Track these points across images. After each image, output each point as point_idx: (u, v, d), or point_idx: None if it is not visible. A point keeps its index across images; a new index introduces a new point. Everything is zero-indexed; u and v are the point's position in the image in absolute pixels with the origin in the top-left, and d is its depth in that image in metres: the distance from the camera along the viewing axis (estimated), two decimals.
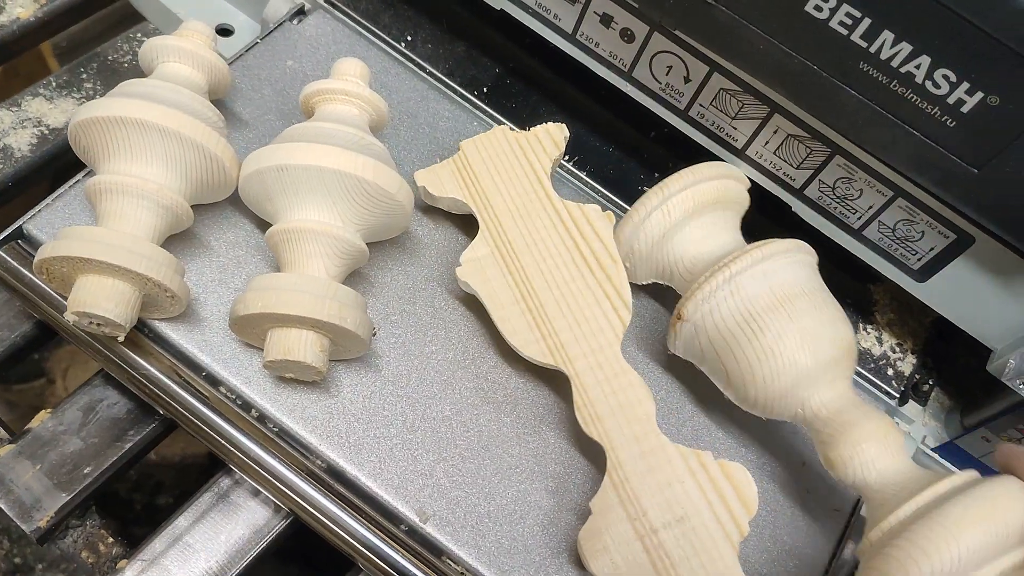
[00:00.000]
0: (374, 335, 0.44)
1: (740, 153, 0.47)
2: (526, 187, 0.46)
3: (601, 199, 0.53)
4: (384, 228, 0.44)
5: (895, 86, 0.37)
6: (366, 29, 0.54)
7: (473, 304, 0.47)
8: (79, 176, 0.45)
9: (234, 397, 0.42)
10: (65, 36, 0.75)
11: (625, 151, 0.55)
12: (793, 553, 0.44)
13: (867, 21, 0.36)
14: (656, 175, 0.54)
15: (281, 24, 0.53)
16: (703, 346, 0.42)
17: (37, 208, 0.44)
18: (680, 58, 0.45)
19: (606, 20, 0.46)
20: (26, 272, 0.43)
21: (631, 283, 0.45)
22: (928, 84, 0.37)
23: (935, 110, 0.37)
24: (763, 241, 0.42)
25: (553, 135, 0.47)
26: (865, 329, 0.53)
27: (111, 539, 0.46)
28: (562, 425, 0.45)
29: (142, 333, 0.42)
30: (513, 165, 0.46)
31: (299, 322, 0.39)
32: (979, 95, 0.36)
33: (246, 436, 0.42)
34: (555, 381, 0.46)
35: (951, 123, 0.37)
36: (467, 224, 0.49)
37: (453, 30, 0.56)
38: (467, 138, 0.48)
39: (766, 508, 0.45)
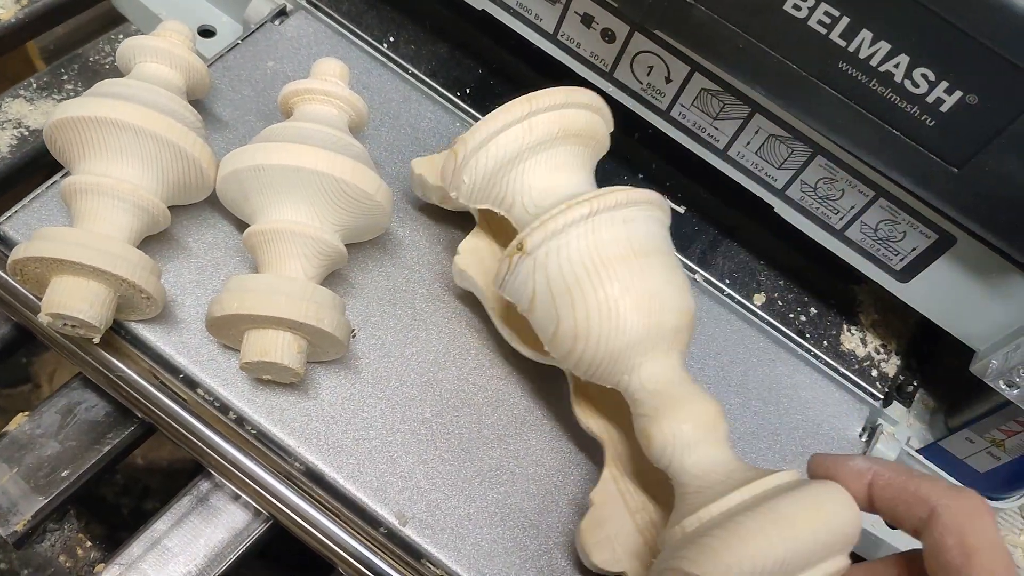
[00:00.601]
0: (353, 336, 0.44)
1: (722, 153, 0.47)
2: None
3: None
4: (363, 229, 0.43)
5: (874, 85, 0.37)
6: (348, 30, 0.54)
7: (455, 306, 0.47)
8: (56, 177, 0.45)
9: (212, 399, 0.42)
10: (52, 39, 0.74)
11: (608, 152, 0.55)
12: None
13: (845, 20, 0.36)
14: (640, 176, 0.54)
15: (262, 25, 0.52)
16: (537, 287, 0.38)
17: (13, 209, 0.44)
18: (661, 58, 0.45)
19: (587, 20, 0.46)
20: (1, 273, 0.42)
21: (461, 206, 0.43)
22: (907, 83, 0.36)
23: (914, 109, 0.37)
24: (624, 187, 0.38)
25: None
26: (849, 330, 0.53)
27: (89, 543, 0.45)
28: (543, 427, 0.44)
29: (119, 335, 0.42)
30: None
31: (276, 323, 0.39)
32: (958, 94, 0.35)
33: (224, 439, 0.41)
34: (538, 382, 0.45)
35: (931, 122, 0.37)
36: (449, 226, 0.49)
37: (436, 31, 0.56)
38: (449, 140, 0.48)
39: None
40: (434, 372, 0.45)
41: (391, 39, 0.55)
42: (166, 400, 0.42)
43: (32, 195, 0.44)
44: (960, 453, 0.49)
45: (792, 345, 0.51)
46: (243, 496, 0.43)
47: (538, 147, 0.40)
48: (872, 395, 0.50)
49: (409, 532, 0.40)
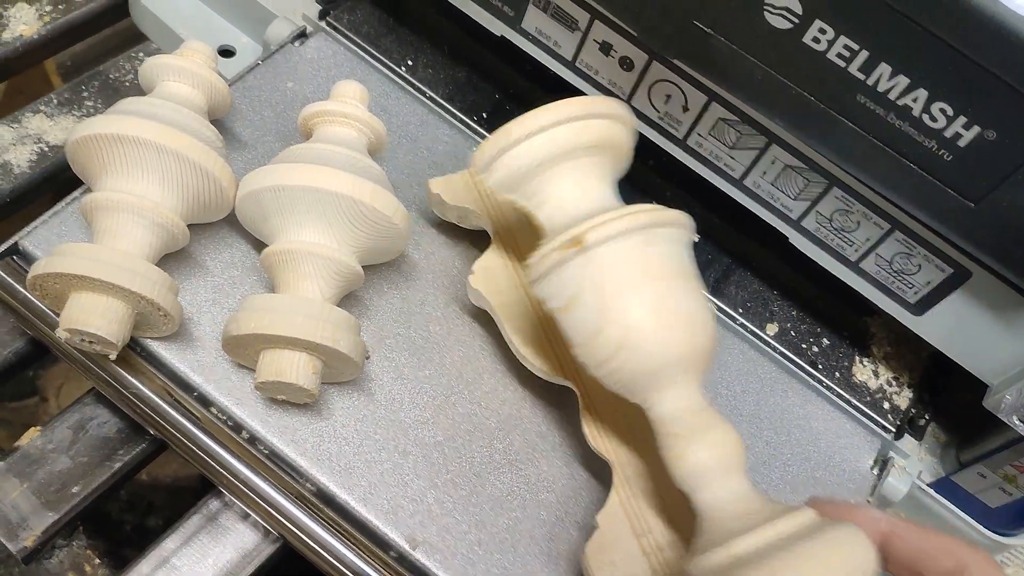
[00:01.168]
0: (367, 359, 0.44)
1: (738, 183, 0.47)
2: None
3: None
4: (380, 251, 0.44)
5: (892, 119, 0.37)
6: (367, 52, 0.54)
7: (469, 327, 0.47)
8: (76, 193, 0.45)
9: (225, 418, 0.42)
10: (69, 55, 0.75)
11: (624, 178, 0.55)
12: None
13: (864, 54, 0.36)
14: (653, 202, 0.54)
15: (283, 46, 0.53)
16: (586, 285, 0.36)
17: (33, 224, 0.44)
18: (679, 87, 0.45)
19: (605, 48, 0.46)
20: (20, 288, 0.42)
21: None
22: (925, 117, 0.37)
23: (932, 143, 0.37)
24: (677, 209, 0.39)
25: None
26: (862, 362, 0.53)
27: (98, 560, 0.45)
28: (555, 452, 0.44)
29: (134, 352, 0.42)
30: None
31: (292, 344, 0.39)
32: (976, 129, 0.36)
33: (236, 458, 0.41)
34: (551, 407, 0.45)
35: (948, 157, 0.37)
36: (464, 247, 0.49)
37: (454, 55, 0.56)
38: (465, 163, 0.48)
39: None
40: (447, 395, 0.45)
41: (409, 62, 0.55)
42: (179, 418, 0.42)
43: (52, 211, 0.44)
44: (972, 488, 0.49)
45: (804, 375, 0.51)
46: (253, 516, 0.43)
47: (585, 151, 0.39)
48: (884, 428, 0.50)
49: (419, 556, 0.40)
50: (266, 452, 0.41)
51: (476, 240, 0.49)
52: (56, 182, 0.55)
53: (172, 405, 0.42)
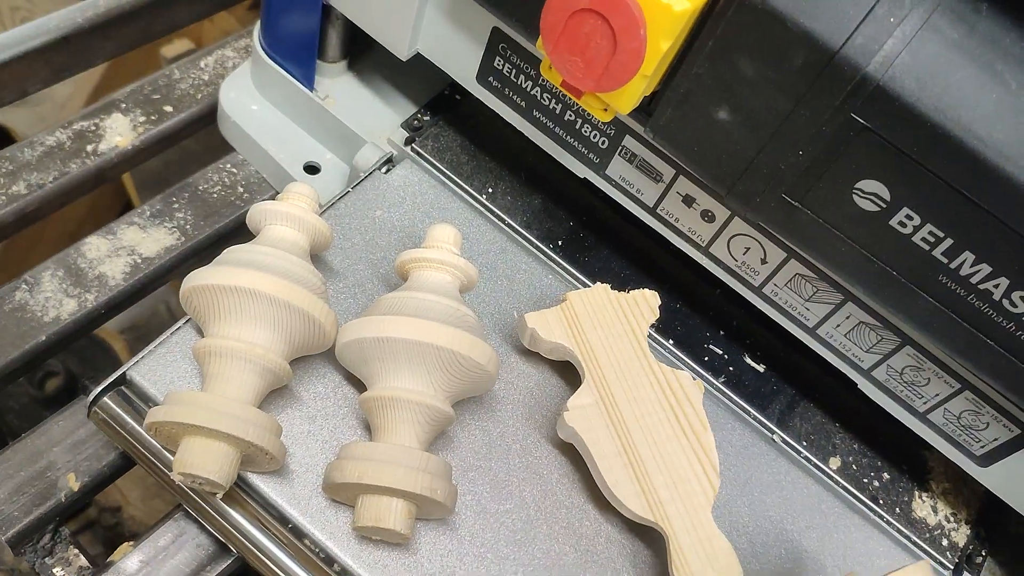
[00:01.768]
0: None
1: (810, 331, 0.49)
2: (626, 346, 0.48)
3: (667, 354, 0.55)
4: (468, 392, 0.46)
5: (972, 299, 0.39)
6: (450, 179, 0.57)
7: (548, 459, 0.49)
8: (179, 324, 0.47)
9: (318, 551, 0.44)
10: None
11: (690, 305, 0.57)
12: None
13: (949, 241, 0.38)
14: (721, 332, 0.56)
15: (371, 173, 0.55)
16: None
17: (140, 355, 0.46)
18: (759, 242, 0.47)
19: (688, 200, 0.48)
20: (128, 419, 0.45)
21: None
22: (1005, 302, 0.38)
23: (1011, 325, 0.39)
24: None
25: (649, 301, 0.49)
26: (921, 497, 0.54)
27: None
28: None
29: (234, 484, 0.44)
30: (614, 323, 0.49)
31: (391, 492, 0.41)
32: None
33: None
34: (629, 544, 0.47)
35: None
36: (544, 378, 0.51)
37: (531, 182, 0.58)
38: (543, 291, 0.51)
39: None
40: (527, 531, 0.46)
41: (490, 190, 0.57)
42: (275, 549, 0.44)
43: (157, 341, 0.47)
44: None
45: (865, 510, 0.52)
46: None
47: None
48: (943, 564, 0.52)
49: None
50: None
51: (555, 368, 0.51)
52: (145, 292, 0.57)
53: (268, 536, 0.44)
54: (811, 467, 0.53)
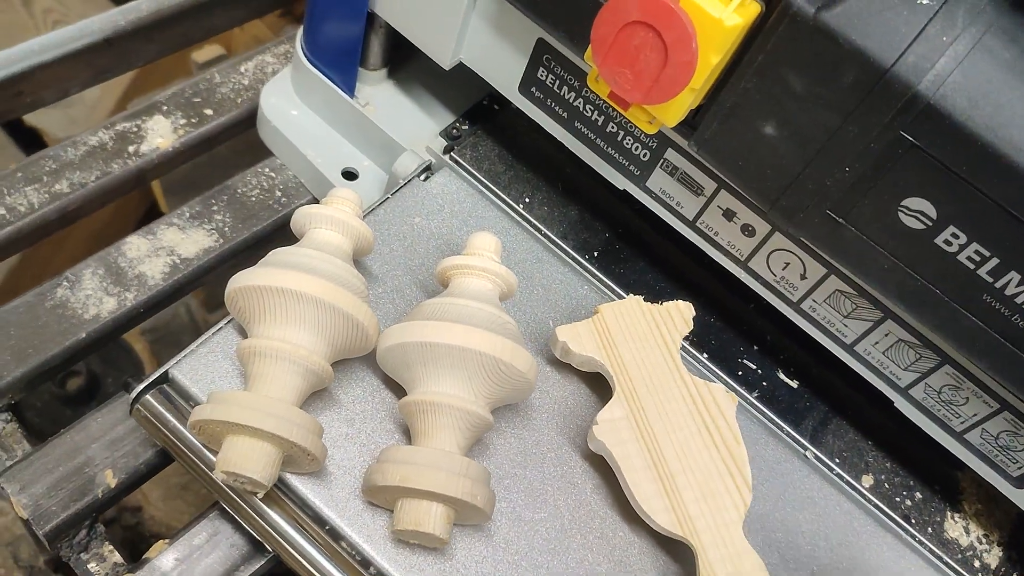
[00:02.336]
0: None
1: (848, 348, 0.49)
2: (658, 358, 0.48)
3: (700, 367, 0.55)
4: (508, 399, 0.46)
5: (1017, 320, 0.39)
6: (488, 189, 0.57)
7: (582, 468, 0.49)
8: (221, 324, 0.48)
9: (354, 553, 0.44)
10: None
11: (723, 319, 0.57)
12: None
13: (995, 260, 0.38)
14: (755, 347, 0.56)
15: (410, 181, 0.56)
16: None
17: (182, 354, 0.46)
18: (799, 257, 0.47)
19: (729, 214, 0.48)
20: (170, 417, 0.45)
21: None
22: None
23: None
24: None
25: (683, 312, 0.49)
26: (953, 517, 0.54)
27: None
28: None
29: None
30: (646, 335, 0.49)
31: (431, 496, 0.41)
32: None
33: None
34: (660, 556, 0.47)
35: None
36: (576, 388, 0.51)
37: (569, 192, 0.59)
38: (578, 302, 0.51)
39: None
40: (560, 539, 0.46)
41: (527, 199, 0.58)
42: (312, 550, 0.44)
43: (199, 340, 0.47)
44: None
45: (897, 529, 0.52)
46: None
47: None
48: None
49: None
50: None
51: (588, 380, 0.51)
52: (183, 293, 0.58)
53: (305, 537, 0.44)
54: (844, 484, 0.53)
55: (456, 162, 0.58)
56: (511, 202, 0.57)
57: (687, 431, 0.47)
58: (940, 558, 0.52)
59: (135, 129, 0.63)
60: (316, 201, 0.62)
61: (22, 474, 0.48)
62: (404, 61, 0.63)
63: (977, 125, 0.36)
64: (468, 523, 0.45)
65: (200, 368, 0.46)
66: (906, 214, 0.39)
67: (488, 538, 0.45)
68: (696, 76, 0.38)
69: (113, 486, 0.49)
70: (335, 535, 0.44)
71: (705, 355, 0.55)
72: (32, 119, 1.15)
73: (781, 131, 0.40)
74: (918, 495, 0.54)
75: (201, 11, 0.68)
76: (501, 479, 0.47)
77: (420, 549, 0.44)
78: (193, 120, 0.64)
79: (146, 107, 0.64)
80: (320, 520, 0.44)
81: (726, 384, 0.55)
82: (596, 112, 0.50)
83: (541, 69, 0.51)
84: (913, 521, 0.53)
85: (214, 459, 0.42)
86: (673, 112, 0.41)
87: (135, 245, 0.57)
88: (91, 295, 0.55)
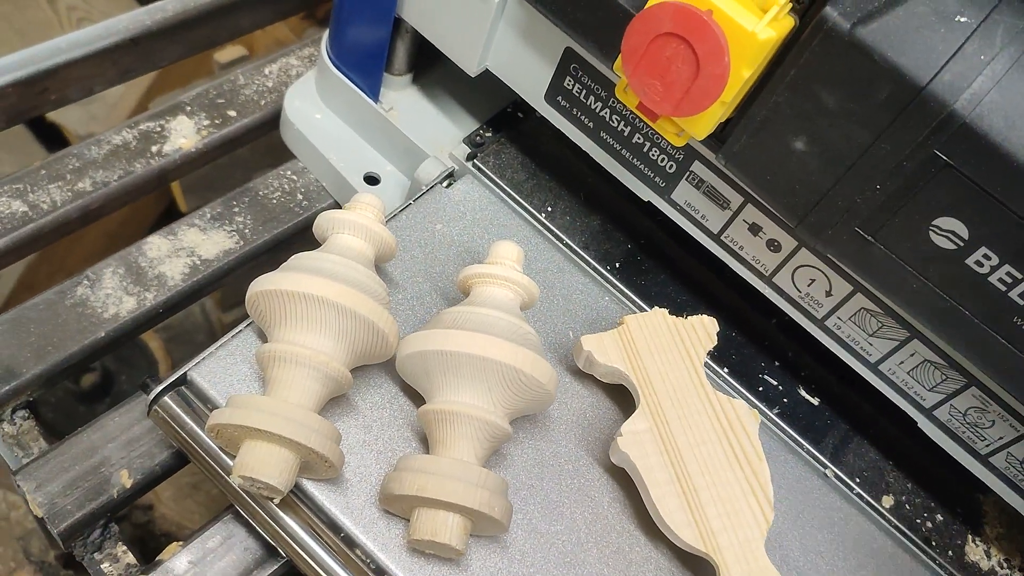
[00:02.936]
0: None
1: (872, 367, 0.48)
2: (682, 372, 0.48)
3: (721, 383, 0.54)
4: (527, 410, 0.46)
5: None
6: (510, 197, 0.57)
7: (599, 480, 0.48)
8: (241, 327, 0.48)
9: (369, 561, 0.43)
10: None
11: (746, 334, 0.57)
12: None
13: None
14: (777, 363, 0.56)
15: (432, 187, 0.56)
16: None
17: (201, 356, 0.46)
18: (825, 274, 0.47)
19: (755, 229, 0.48)
20: (188, 420, 0.45)
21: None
22: None
23: None
24: None
25: (707, 327, 0.49)
26: (974, 541, 0.53)
27: None
28: None
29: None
30: (671, 349, 0.48)
31: (448, 506, 0.40)
32: None
33: None
34: (679, 573, 0.46)
35: None
36: (597, 400, 0.51)
37: (590, 203, 0.58)
38: (599, 313, 0.50)
39: None
40: (576, 553, 0.46)
41: (549, 208, 0.57)
42: (326, 558, 0.44)
43: (218, 343, 0.47)
44: None
45: (918, 551, 0.52)
46: None
47: None
48: None
49: None
50: None
51: (609, 391, 0.51)
52: (202, 294, 0.58)
53: (320, 544, 0.44)
54: (864, 504, 0.52)
55: (479, 169, 0.57)
56: (533, 211, 0.57)
57: (711, 447, 0.46)
58: None
59: (158, 129, 0.63)
60: (337, 205, 0.62)
61: (38, 472, 0.48)
62: (429, 66, 0.63)
63: (1013, 145, 0.35)
64: (484, 534, 0.44)
65: (219, 371, 0.46)
66: (937, 234, 0.39)
67: (504, 550, 0.45)
68: (727, 89, 0.38)
69: (128, 486, 0.49)
70: (350, 542, 0.44)
71: (726, 370, 0.55)
72: (53, 114, 1.16)
73: (812, 146, 0.40)
74: (939, 517, 0.53)
75: (226, 12, 0.68)
76: (518, 490, 0.47)
77: (435, 559, 0.44)
78: (216, 121, 0.64)
79: (170, 107, 0.64)
80: (335, 527, 0.44)
81: (747, 400, 0.54)
82: (622, 123, 0.50)
83: (568, 78, 0.50)
84: (934, 544, 0.52)
85: (231, 463, 0.42)
86: (702, 125, 0.40)
87: (156, 245, 0.57)
88: (111, 294, 0.55)
